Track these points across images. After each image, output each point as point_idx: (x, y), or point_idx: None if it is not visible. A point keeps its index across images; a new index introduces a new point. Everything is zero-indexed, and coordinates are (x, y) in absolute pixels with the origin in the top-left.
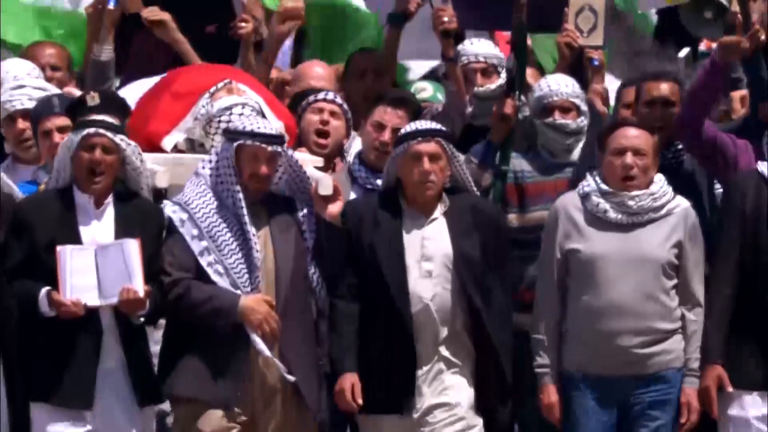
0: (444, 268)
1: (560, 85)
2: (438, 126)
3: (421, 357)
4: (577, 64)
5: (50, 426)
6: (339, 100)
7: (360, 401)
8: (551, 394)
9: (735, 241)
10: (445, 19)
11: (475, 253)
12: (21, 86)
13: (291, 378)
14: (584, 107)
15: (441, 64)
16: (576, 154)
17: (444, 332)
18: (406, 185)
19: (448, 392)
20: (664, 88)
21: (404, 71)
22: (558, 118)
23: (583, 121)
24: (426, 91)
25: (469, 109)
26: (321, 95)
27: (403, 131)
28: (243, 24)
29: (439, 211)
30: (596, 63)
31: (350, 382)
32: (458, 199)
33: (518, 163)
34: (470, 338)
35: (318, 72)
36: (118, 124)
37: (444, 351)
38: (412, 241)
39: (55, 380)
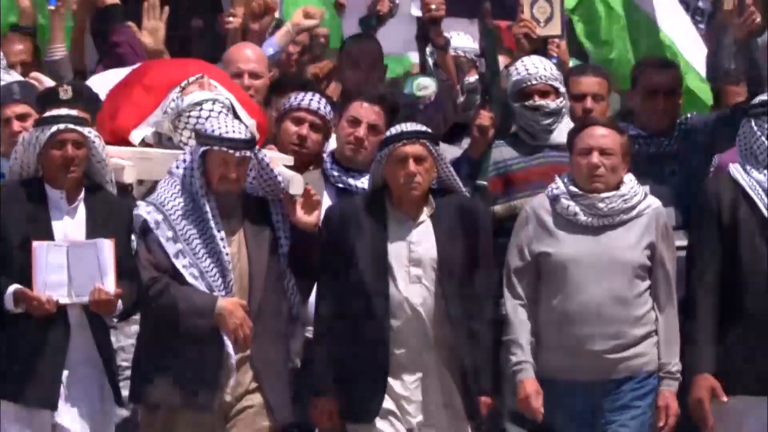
0: (432, 272)
1: (538, 68)
2: (423, 128)
3: (412, 362)
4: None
5: (12, 426)
6: (322, 108)
7: (336, 423)
8: (529, 386)
9: (714, 252)
10: (433, 6)
11: (458, 257)
12: None
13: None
14: (563, 89)
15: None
16: (556, 135)
17: (434, 337)
18: (392, 187)
19: (442, 403)
20: (666, 77)
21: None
22: (537, 101)
23: (563, 102)
24: (428, 89)
25: (461, 99)
26: (305, 102)
27: (388, 134)
28: (230, 18)
29: (425, 214)
30: None
31: (327, 407)
32: (445, 200)
33: (499, 152)
34: None
35: (247, 54)
36: (83, 116)
37: (436, 356)
38: (398, 246)
39: (20, 379)
